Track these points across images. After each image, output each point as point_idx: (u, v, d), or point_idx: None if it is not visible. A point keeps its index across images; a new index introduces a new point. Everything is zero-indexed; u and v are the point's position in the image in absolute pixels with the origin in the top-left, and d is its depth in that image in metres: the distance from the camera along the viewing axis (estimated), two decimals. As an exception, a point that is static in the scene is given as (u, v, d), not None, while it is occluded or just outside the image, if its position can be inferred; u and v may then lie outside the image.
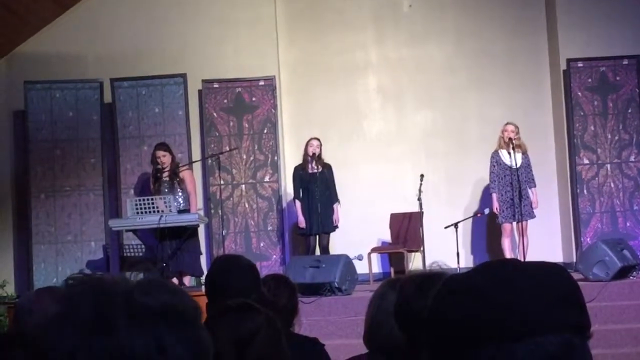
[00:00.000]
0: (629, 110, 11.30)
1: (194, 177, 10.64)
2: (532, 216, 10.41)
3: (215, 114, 11.50)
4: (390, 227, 11.22)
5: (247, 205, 11.41)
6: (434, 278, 2.56)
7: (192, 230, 10.13)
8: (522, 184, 10.24)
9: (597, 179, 11.25)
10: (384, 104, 11.99)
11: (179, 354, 1.03)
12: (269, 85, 11.50)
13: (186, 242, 10.06)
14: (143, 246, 10.83)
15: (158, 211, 9.72)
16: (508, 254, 10.30)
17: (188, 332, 1.05)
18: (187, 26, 11.63)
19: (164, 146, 10.45)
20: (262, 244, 11.35)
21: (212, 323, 2.38)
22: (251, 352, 2.27)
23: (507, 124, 10.53)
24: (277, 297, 3.83)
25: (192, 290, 8.64)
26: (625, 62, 11.34)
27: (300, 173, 10.65)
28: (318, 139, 10.72)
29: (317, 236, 10.53)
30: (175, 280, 10.08)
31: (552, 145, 11.75)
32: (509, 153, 10.34)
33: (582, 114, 11.31)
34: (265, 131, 11.48)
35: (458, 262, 9.88)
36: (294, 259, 10.31)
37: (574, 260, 10.68)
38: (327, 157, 10.80)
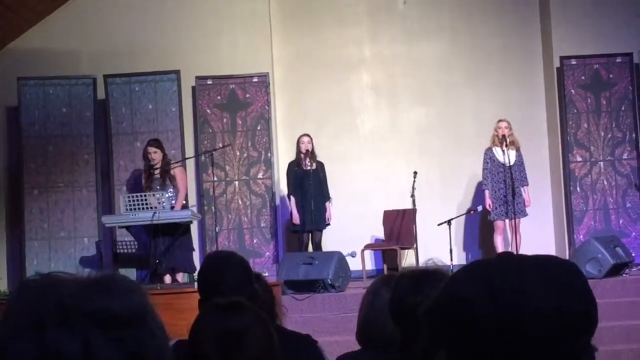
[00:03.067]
0: (622, 108, 11.31)
1: (185, 175, 10.62)
2: (525, 214, 10.42)
3: (208, 111, 11.49)
4: (384, 224, 11.23)
5: (240, 202, 11.40)
6: (429, 274, 2.56)
7: (184, 227, 10.13)
8: (515, 181, 10.26)
9: (590, 176, 11.27)
10: (378, 101, 12.00)
11: (107, 356, 1.07)
12: (263, 82, 11.49)
13: (179, 239, 10.06)
14: (136, 243, 10.83)
15: (150, 207, 9.72)
16: (500, 251, 10.31)
17: (122, 335, 1.08)
18: (181, 22, 11.61)
19: (155, 142, 10.45)
20: (255, 241, 11.34)
21: (201, 321, 2.37)
22: (241, 351, 2.26)
23: (500, 120, 10.54)
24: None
25: (185, 287, 8.64)
26: (619, 59, 11.35)
27: (295, 170, 10.65)
28: (308, 135, 10.72)
29: (310, 233, 10.54)
30: (168, 277, 10.09)
31: (545, 142, 11.76)
32: (503, 150, 10.35)
33: (575, 111, 11.32)
34: (258, 128, 11.47)
35: (451, 259, 9.88)
36: (287, 256, 10.31)
37: (567, 258, 10.70)
38: (320, 154, 10.80)
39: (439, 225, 10.25)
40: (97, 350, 1.06)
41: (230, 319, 2.31)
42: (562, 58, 11.31)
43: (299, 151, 10.68)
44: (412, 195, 10.38)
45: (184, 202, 10.42)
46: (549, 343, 1.15)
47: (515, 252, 10.00)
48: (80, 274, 1.16)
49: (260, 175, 11.42)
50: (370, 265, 11.21)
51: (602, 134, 11.30)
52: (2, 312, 1.13)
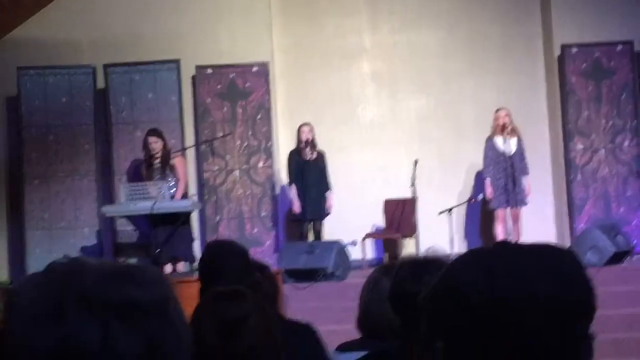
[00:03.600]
0: (623, 96, 11.29)
1: (185, 164, 10.61)
2: (525, 203, 10.42)
3: (208, 100, 11.47)
4: (384, 212, 11.23)
5: (240, 191, 11.39)
6: (429, 263, 2.56)
7: (185, 217, 10.14)
8: (515, 170, 10.25)
9: (590, 164, 11.25)
10: (378, 90, 11.98)
11: (125, 345, 1.07)
12: (263, 71, 11.47)
13: (179, 228, 10.07)
14: (137, 232, 10.83)
15: (151, 197, 9.72)
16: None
17: (141, 324, 1.08)
18: (181, 11, 11.58)
19: (155, 132, 10.44)
20: (255, 230, 11.34)
21: (201, 310, 2.37)
22: (241, 339, 2.26)
23: (499, 110, 10.52)
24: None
25: (186, 276, 8.64)
26: (620, 47, 11.32)
27: (296, 158, 10.63)
28: (309, 124, 10.70)
29: (311, 222, 10.53)
30: (169, 266, 10.10)
31: (546, 130, 11.75)
32: (504, 139, 10.34)
33: (576, 99, 11.30)
34: (259, 117, 11.46)
35: (452, 248, 9.88)
36: (287, 245, 10.32)
37: (568, 246, 10.68)
38: (320, 143, 10.78)
39: (439, 214, 10.26)
40: (115, 339, 1.06)
41: (230, 307, 2.31)
42: (562, 46, 11.29)
43: (299, 140, 10.67)
44: (413, 184, 10.38)
45: (185, 191, 10.42)
46: (547, 330, 1.15)
47: (515, 241, 9.99)
48: (108, 261, 1.15)
49: (260, 165, 11.41)
50: (371, 254, 11.21)
51: (603, 122, 11.28)
52: (18, 297, 1.13)
